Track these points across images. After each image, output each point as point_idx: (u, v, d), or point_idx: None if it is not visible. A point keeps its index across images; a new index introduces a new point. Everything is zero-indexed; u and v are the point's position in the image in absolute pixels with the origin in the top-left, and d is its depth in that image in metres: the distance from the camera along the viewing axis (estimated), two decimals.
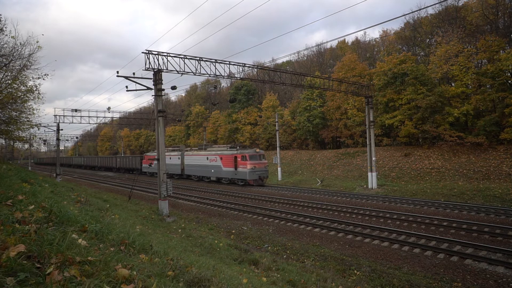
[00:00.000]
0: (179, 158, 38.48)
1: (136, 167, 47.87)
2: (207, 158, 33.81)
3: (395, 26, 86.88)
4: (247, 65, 21.87)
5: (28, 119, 20.57)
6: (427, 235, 12.10)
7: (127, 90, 19.16)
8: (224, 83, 72.54)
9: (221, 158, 32.01)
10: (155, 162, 38.00)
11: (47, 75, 17.49)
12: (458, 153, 28.68)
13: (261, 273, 7.87)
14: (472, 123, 29.91)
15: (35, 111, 20.30)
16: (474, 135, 27.92)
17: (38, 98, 18.39)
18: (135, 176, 29.49)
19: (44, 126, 39.12)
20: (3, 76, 16.51)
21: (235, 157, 30.15)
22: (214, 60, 20.22)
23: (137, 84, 18.47)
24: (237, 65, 21.17)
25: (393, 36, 43.59)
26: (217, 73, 20.39)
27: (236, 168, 30.05)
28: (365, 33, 61.26)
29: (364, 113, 31.34)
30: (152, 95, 18.08)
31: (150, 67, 17.37)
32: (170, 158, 39.04)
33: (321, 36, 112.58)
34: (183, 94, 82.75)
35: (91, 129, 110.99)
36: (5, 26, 15.16)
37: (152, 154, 44.05)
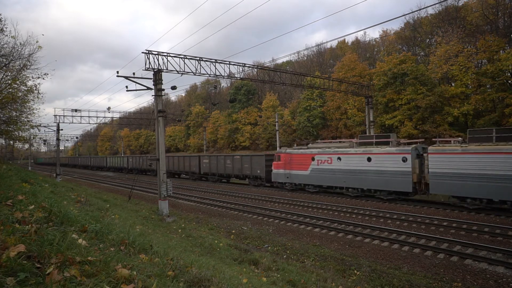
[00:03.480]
0: (405, 160, 18.89)
1: (254, 174, 29.48)
2: None
3: (395, 26, 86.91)
4: (247, 65, 21.91)
5: (28, 119, 20.56)
6: (427, 235, 12.10)
7: (127, 90, 19.17)
8: (224, 83, 72.66)
9: None
10: (314, 165, 23.44)
11: (47, 74, 17.45)
12: None
13: (261, 273, 7.87)
14: (472, 123, 29.91)
15: (35, 111, 20.28)
16: None
17: (38, 98, 18.38)
18: (135, 176, 29.15)
19: (44, 126, 39.17)
20: (3, 76, 16.50)
21: None
22: (214, 60, 20.24)
23: (137, 84, 18.49)
24: (237, 65, 21.20)
25: (393, 36, 43.65)
26: (217, 73, 20.41)
27: None
28: (365, 33, 61.40)
29: (364, 113, 31.34)
30: (152, 95, 18.09)
31: (150, 67, 17.39)
32: (366, 159, 20.81)
33: (321, 36, 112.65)
34: (183, 94, 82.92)
35: (91, 129, 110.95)
36: (5, 26, 15.14)
37: (300, 151, 25.00)
